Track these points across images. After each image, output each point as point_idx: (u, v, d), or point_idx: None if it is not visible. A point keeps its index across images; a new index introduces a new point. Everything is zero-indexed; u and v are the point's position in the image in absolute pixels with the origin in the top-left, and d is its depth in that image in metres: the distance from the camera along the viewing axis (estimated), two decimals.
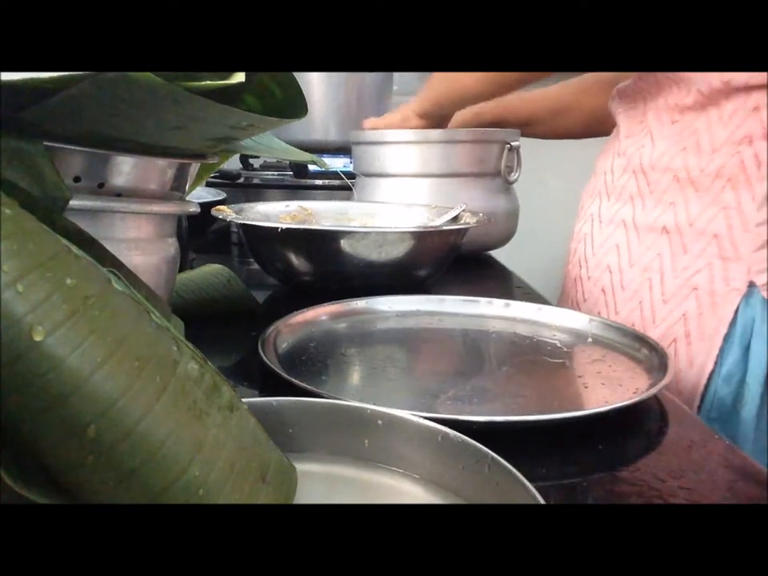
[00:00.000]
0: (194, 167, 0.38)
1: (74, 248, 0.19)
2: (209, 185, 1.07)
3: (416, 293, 0.58)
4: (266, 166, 1.23)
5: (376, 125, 0.90)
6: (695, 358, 0.58)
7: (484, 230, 0.79)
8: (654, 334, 0.60)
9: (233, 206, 0.71)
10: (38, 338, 0.17)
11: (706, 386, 0.57)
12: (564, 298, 0.78)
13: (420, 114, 0.84)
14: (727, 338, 0.56)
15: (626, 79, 0.74)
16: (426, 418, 0.28)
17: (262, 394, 0.41)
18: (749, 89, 0.56)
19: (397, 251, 0.61)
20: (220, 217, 0.66)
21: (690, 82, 0.60)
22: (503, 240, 0.90)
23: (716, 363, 0.57)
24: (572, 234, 0.78)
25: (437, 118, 0.85)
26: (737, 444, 0.55)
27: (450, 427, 0.27)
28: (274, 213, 0.76)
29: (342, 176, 0.98)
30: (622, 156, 0.70)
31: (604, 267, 0.68)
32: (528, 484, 0.23)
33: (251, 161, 1.23)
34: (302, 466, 0.25)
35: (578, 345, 0.49)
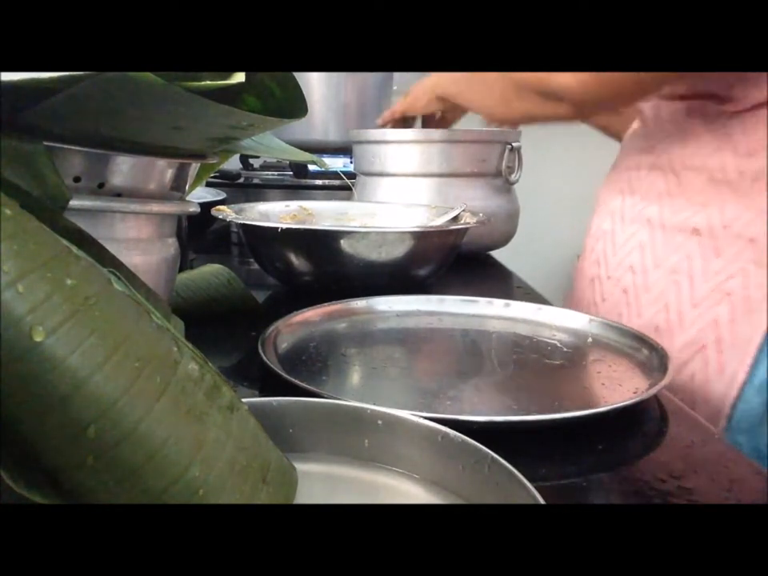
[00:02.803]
0: (194, 167, 0.38)
1: (74, 248, 0.19)
2: (209, 185, 1.07)
3: (416, 293, 0.58)
4: (265, 166, 1.23)
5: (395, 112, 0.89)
6: (726, 365, 0.56)
7: (484, 229, 0.79)
8: (681, 338, 0.58)
9: (233, 206, 0.71)
10: (38, 338, 0.17)
11: (737, 396, 0.55)
12: (576, 299, 0.75)
13: (441, 97, 0.81)
14: (762, 346, 0.54)
15: None
16: (426, 417, 0.28)
17: (262, 394, 0.41)
18: None
19: (397, 251, 0.61)
20: (220, 217, 0.66)
21: (736, 99, 0.57)
22: (503, 240, 0.90)
23: (748, 372, 0.54)
24: (587, 231, 0.75)
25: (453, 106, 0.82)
26: (766, 456, 0.53)
27: (450, 427, 0.27)
28: (274, 213, 0.76)
29: (342, 176, 0.98)
30: (649, 152, 0.67)
31: (626, 267, 0.65)
32: (528, 484, 0.23)
33: (251, 161, 1.23)
34: (301, 466, 0.25)
35: (577, 345, 0.49)
